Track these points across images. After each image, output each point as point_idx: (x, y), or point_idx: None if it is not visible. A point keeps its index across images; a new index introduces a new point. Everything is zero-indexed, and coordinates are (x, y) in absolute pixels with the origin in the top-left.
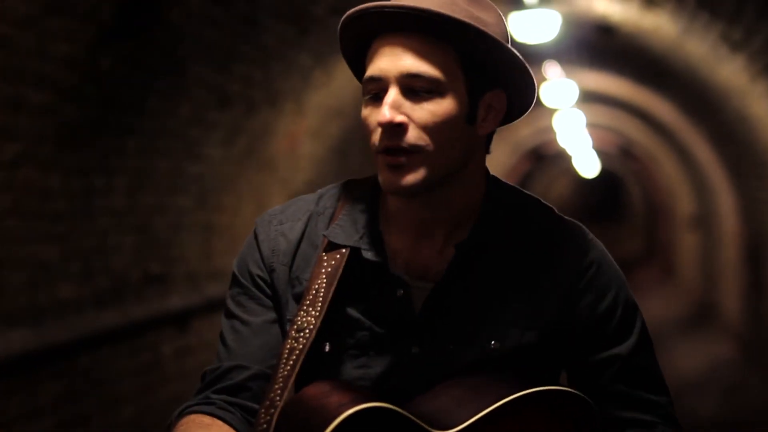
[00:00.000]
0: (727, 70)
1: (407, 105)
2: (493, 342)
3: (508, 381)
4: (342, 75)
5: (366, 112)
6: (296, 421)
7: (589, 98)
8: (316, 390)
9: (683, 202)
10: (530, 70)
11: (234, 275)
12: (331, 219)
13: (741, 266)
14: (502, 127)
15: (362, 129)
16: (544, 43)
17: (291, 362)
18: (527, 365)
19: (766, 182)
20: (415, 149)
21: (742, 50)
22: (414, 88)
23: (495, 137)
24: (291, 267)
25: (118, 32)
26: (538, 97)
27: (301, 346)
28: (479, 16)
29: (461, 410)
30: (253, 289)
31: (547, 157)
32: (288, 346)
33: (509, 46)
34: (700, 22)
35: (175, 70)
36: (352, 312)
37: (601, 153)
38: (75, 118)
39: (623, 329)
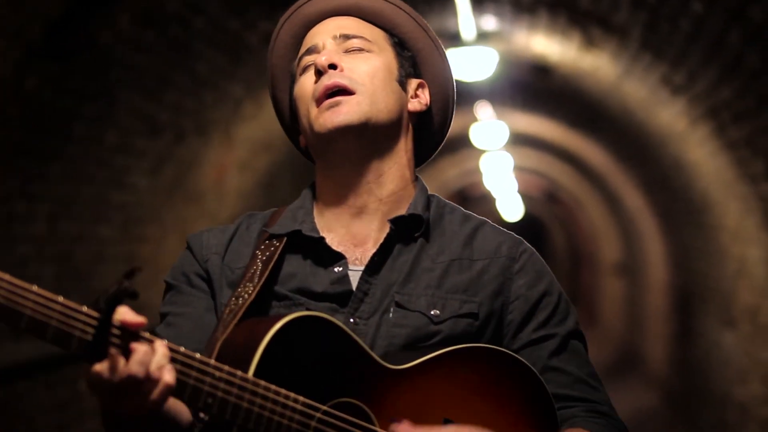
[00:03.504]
0: (665, 114)
1: (342, 57)
2: (433, 311)
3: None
4: (272, 107)
5: (300, 81)
6: (239, 339)
7: (518, 141)
8: (258, 317)
9: (609, 248)
10: (450, 67)
11: (167, 284)
12: (267, 224)
13: (668, 315)
14: (428, 164)
15: (296, 102)
16: (478, 83)
17: (231, 315)
18: (467, 339)
19: (699, 230)
20: (352, 86)
21: (684, 94)
22: (347, 47)
23: (422, 176)
24: (223, 258)
25: (46, 53)
26: (454, 103)
27: (238, 307)
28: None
29: (405, 358)
30: (187, 287)
31: (471, 199)
32: (227, 310)
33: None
34: (642, 64)
35: (104, 95)
36: (287, 291)
37: (525, 197)
38: None
39: (559, 314)
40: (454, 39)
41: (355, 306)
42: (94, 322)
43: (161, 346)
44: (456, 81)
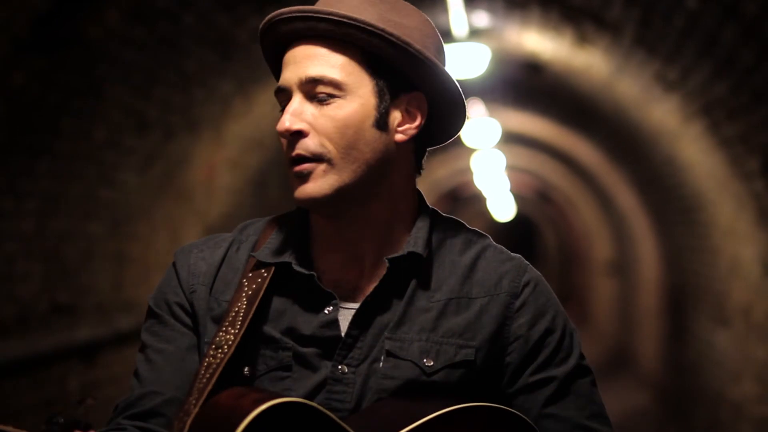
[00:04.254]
0: (658, 111)
1: (309, 112)
2: (425, 359)
3: (443, 400)
4: (263, 104)
5: (279, 123)
6: (210, 421)
7: (510, 139)
8: (232, 392)
9: (601, 247)
10: (448, 71)
11: (149, 309)
12: (255, 245)
13: (661, 314)
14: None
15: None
16: (470, 80)
17: (207, 376)
18: (463, 386)
19: (692, 228)
20: (317, 157)
21: (677, 90)
22: (315, 93)
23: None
24: (211, 289)
25: (33, 47)
26: (464, 106)
27: (218, 361)
28: (394, 20)
29: (391, 425)
30: (170, 318)
31: (461, 199)
32: (205, 362)
33: (427, 51)
34: (635, 61)
35: (92, 91)
36: (274, 332)
37: (517, 196)
38: None
39: (561, 353)
40: (446, 36)
41: (344, 353)
42: None
43: None
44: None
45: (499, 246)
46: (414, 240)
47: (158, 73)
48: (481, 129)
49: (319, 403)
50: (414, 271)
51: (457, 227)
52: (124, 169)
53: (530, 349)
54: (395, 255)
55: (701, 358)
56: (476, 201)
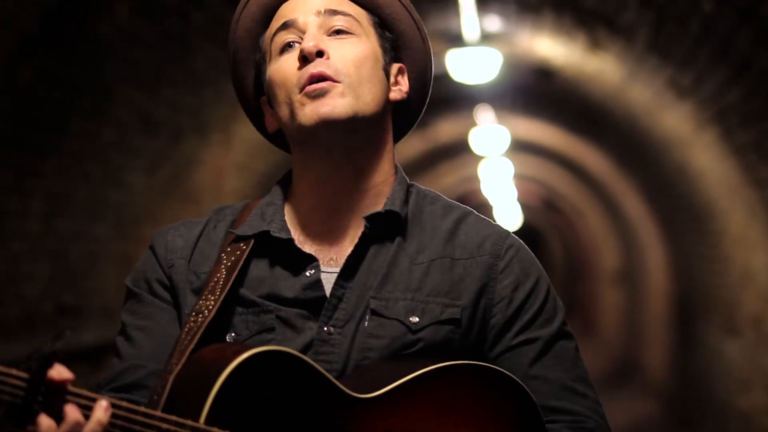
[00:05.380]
0: (670, 117)
1: (327, 42)
2: (411, 317)
3: (430, 360)
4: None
5: (279, 62)
6: (193, 374)
7: (518, 147)
8: (214, 347)
9: (608, 256)
10: (431, 51)
11: (128, 290)
12: (234, 223)
13: (668, 323)
14: (425, 170)
15: (273, 86)
16: (479, 86)
17: (188, 338)
18: (448, 348)
19: (702, 237)
20: (339, 76)
21: (691, 97)
22: (331, 26)
23: (419, 183)
24: (189, 261)
25: (40, 43)
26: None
27: (198, 325)
28: None
29: (377, 382)
30: (148, 296)
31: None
32: (186, 328)
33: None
34: (648, 66)
35: (100, 89)
36: (255, 297)
37: (524, 206)
38: None
39: (545, 315)
40: (457, 39)
41: (329, 314)
42: (23, 384)
43: (99, 408)
44: (457, 82)
45: (481, 215)
46: (391, 201)
47: (167, 72)
48: (490, 136)
49: None
50: (395, 233)
51: (436, 196)
52: (132, 171)
53: (514, 311)
54: (372, 212)
55: (710, 368)
56: (483, 210)
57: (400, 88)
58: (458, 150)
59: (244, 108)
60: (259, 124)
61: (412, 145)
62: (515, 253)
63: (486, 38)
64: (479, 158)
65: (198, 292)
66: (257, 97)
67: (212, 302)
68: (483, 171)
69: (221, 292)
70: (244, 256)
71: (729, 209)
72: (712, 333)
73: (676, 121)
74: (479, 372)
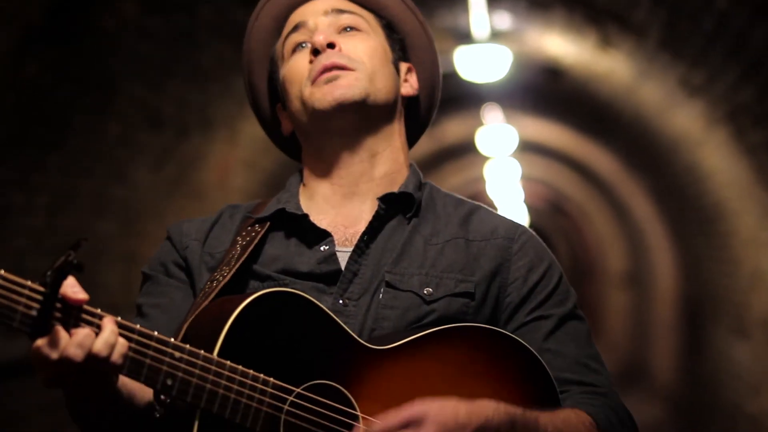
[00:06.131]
0: (681, 117)
1: (337, 38)
2: (426, 289)
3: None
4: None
5: (291, 61)
6: (206, 320)
7: (526, 148)
8: (227, 297)
9: (614, 259)
10: (437, 51)
11: (144, 276)
12: (251, 212)
13: (676, 326)
14: (430, 170)
15: (285, 84)
16: (487, 84)
17: (203, 298)
18: (462, 321)
19: (711, 238)
20: (353, 64)
21: (702, 96)
22: (341, 25)
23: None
24: (204, 244)
25: (46, 37)
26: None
27: (213, 288)
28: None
29: (391, 340)
30: (164, 277)
31: None
32: (201, 294)
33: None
34: (659, 64)
35: (105, 84)
36: (271, 272)
37: (530, 208)
38: None
39: (558, 296)
40: (465, 37)
41: (344, 286)
42: (39, 297)
43: (109, 323)
44: (465, 80)
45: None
46: (405, 185)
47: (173, 68)
48: (497, 136)
49: None
50: (410, 216)
51: (448, 192)
52: (137, 167)
53: (528, 290)
54: (387, 193)
55: (719, 371)
56: None
57: (411, 85)
58: (464, 150)
59: (258, 116)
60: (273, 132)
61: (418, 145)
62: (528, 239)
63: (495, 35)
64: (485, 159)
65: (213, 270)
66: (272, 106)
67: (227, 271)
68: (489, 172)
69: (236, 263)
70: (260, 235)
71: (740, 210)
72: (721, 336)
73: (686, 121)
74: (495, 336)
